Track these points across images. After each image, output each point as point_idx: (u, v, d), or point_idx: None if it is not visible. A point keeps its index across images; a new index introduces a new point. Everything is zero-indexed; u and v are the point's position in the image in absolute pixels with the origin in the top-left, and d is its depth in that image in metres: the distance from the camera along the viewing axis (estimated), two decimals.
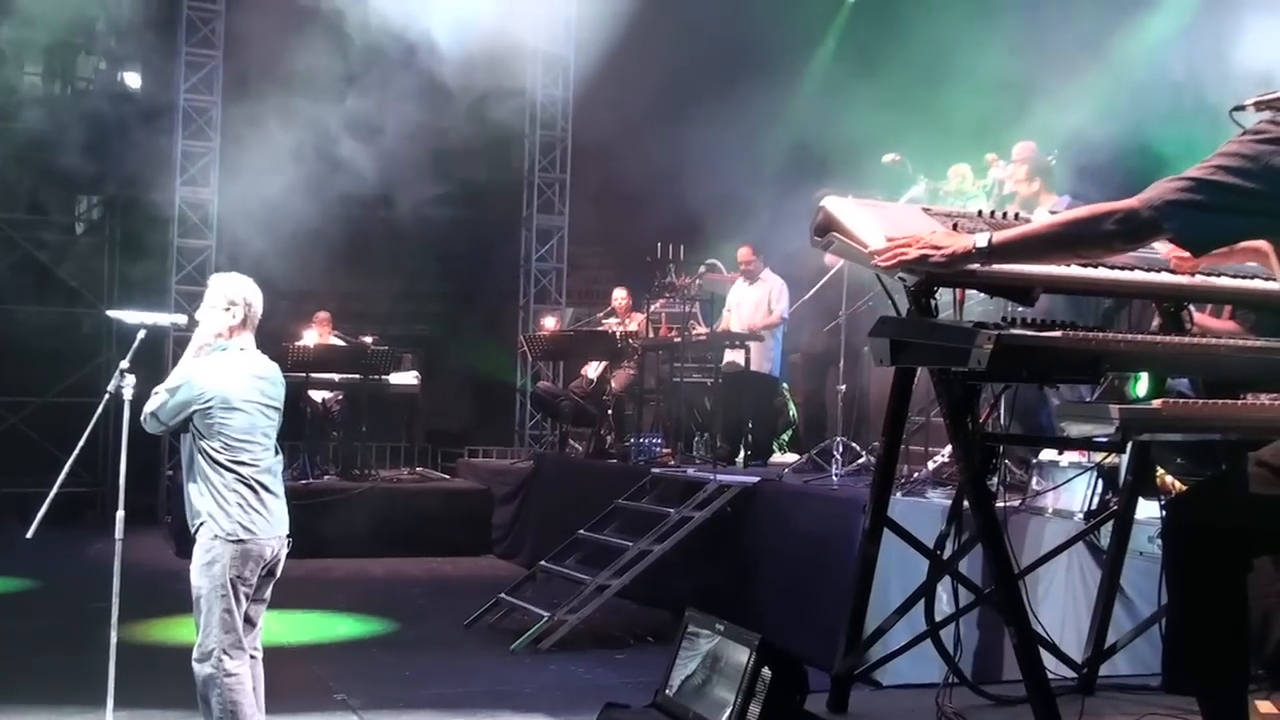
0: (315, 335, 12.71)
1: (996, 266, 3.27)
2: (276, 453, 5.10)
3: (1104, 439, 3.27)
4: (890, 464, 3.98)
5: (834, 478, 8.39)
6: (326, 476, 12.31)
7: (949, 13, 10.88)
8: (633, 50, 13.35)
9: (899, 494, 6.85)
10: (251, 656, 4.99)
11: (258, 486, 4.92)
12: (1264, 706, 3.62)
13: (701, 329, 11.00)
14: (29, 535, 4.93)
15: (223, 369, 4.96)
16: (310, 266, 12.65)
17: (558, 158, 15.81)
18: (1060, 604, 5.72)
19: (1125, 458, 4.40)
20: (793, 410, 11.33)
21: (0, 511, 11.72)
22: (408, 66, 12.40)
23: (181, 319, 5.88)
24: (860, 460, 8.72)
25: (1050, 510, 6.08)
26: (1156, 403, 3.19)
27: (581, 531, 9.14)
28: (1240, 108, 3.03)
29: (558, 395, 12.52)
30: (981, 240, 3.19)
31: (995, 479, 3.59)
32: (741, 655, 3.73)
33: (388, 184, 13.38)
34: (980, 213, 3.77)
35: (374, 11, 12.09)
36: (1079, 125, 8.92)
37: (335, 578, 10.41)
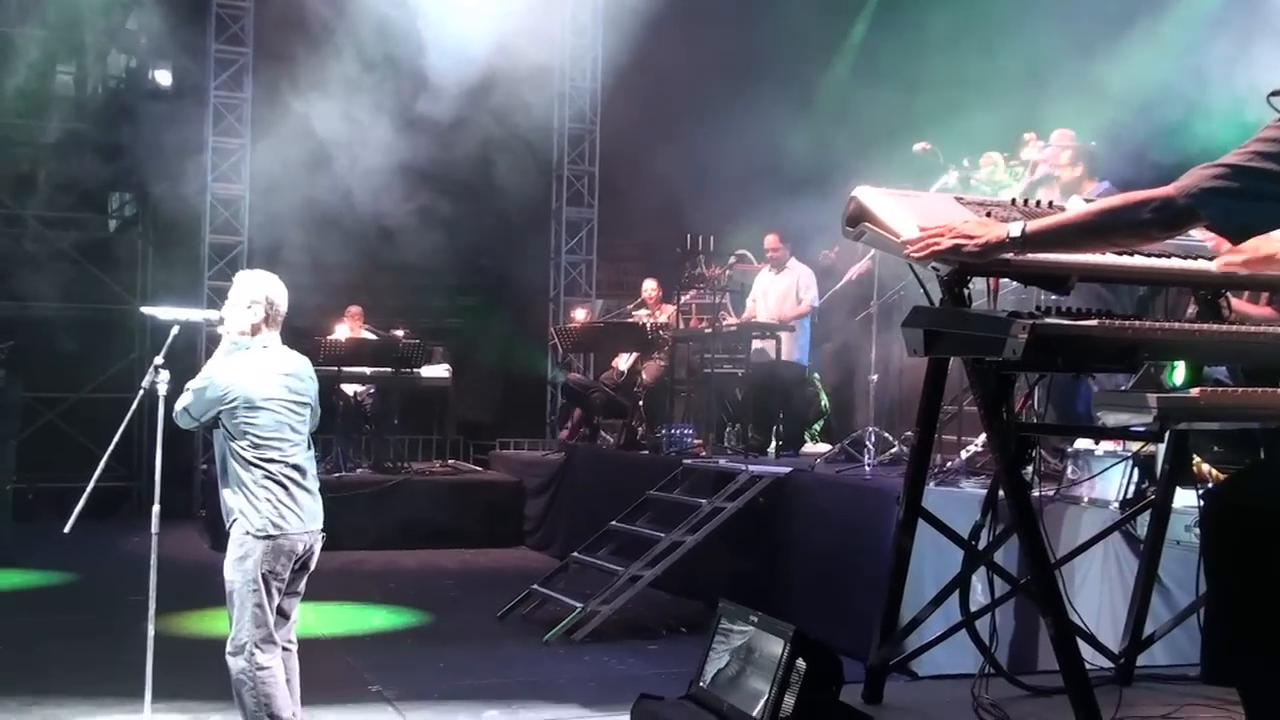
0: (347, 329, 12.78)
1: (1031, 256, 3.24)
2: (309, 447, 5.12)
3: (1141, 428, 3.24)
4: (924, 454, 3.95)
5: (866, 468, 8.37)
6: (359, 470, 12.38)
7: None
8: (661, 41, 13.32)
9: (933, 484, 6.82)
10: (285, 649, 5.02)
11: (288, 482, 4.94)
12: None
13: (732, 320, 10.99)
14: (66, 530, 4.97)
15: (245, 368, 4.98)
16: (341, 261, 12.70)
17: (586, 150, 15.80)
18: (1097, 594, 5.67)
19: (1162, 447, 4.35)
20: (824, 400, 11.30)
21: (38, 506, 11.85)
22: (437, 59, 12.41)
23: (214, 315, 5.88)
24: (893, 450, 8.69)
25: (1086, 499, 6.02)
26: (1194, 391, 3.15)
27: (614, 523, 9.14)
28: (1277, 93, 2.98)
29: (589, 387, 12.54)
30: (1015, 229, 3.16)
31: (1030, 468, 3.56)
32: (776, 646, 3.71)
33: (417, 178, 13.41)
34: (1014, 202, 3.73)
35: (401, 4, 12.10)
36: (1114, 113, 8.83)
37: (369, 570, 10.47)
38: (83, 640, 7.73)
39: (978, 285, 3.65)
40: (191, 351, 11.06)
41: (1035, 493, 3.65)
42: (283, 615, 5.01)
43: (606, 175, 15.73)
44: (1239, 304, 3.80)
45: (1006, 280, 4.34)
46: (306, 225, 11.99)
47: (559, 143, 15.79)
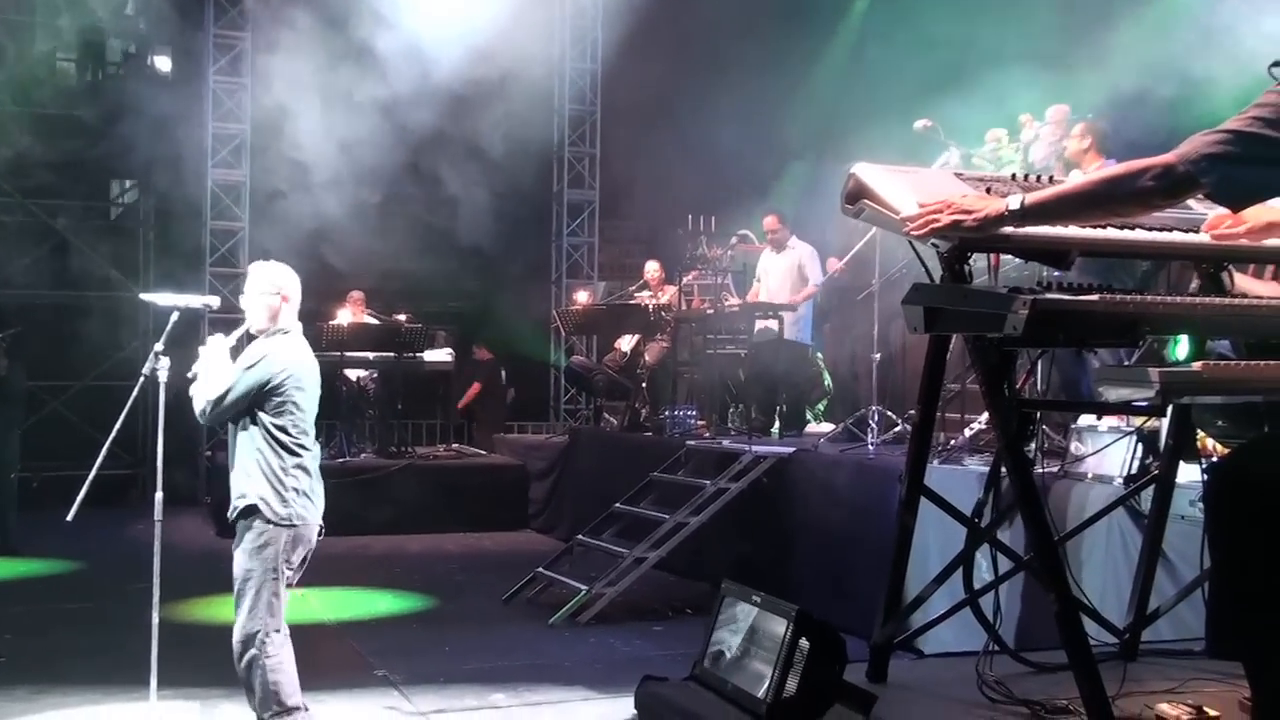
0: (349, 314, 12.78)
1: (1031, 229, 3.23)
2: (316, 438, 5.13)
3: (1144, 403, 3.22)
4: (926, 432, 3.94)
5: (870, 447, 8.35)
6: (363, 455, 12.38)
7: None
8: (661, 22, 13.27)
9: (936, 462, 6.81)
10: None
11: (313, 471, 4.96)
12: None
13: (734, 300, 10.97)
14: (69, 518, 4.96)
15: (295, 348, 4.98)
16: (343, 246, 12.67)
17: (587, 131, 15.74)
18: (1101, 569, 5.66)
19: (1165, 421, 4.34)
20: (827, 379, 11.28)
21: (43, 494, 11.85)
22: (437, 42, 12.35)
23: (215, 301, 5.90)
24: (896, 429, 8.68)
25: (1090, 475, 6.02)
26: (1197, 365, 3.14)
27: (618, 505, 9.14)
28: (1278, 63, 2.96)
29: (592, 369, 12.53)
30: (1014, 202, 3.14)
31: (1033, 445, 3.55)
32: (779, 626, 3.70)
33: (418, 163, 13.38)
34: (1014, 176, 3.71)
35: None
36: (1114, 88, 8.77)
37: (373, 555, 10.48)
38: (88, 628, 7.74)
39: (979, 263, 3.63)
40: (193, 338, 11.04)
41: (1039, 469, 3.65)
42: None
43: (607, 157, 15.68)
44: (1242, 279, 3.77)
45: (1008, 258, 4.33)
46: (307, 210, 11.96)
47: (559, 124, 15.73)
